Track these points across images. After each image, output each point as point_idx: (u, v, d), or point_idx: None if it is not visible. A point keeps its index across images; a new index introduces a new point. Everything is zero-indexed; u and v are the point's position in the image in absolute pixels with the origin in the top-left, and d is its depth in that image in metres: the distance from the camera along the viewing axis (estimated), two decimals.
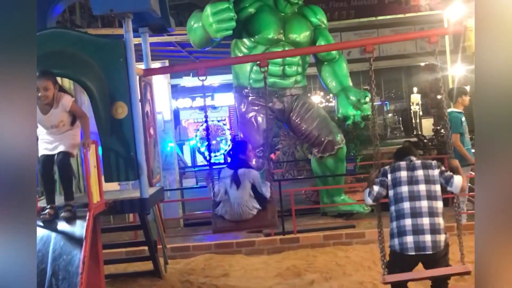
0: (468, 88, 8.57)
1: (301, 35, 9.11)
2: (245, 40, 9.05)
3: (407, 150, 4.89)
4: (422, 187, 4.48)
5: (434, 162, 4.63)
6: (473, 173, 7.68)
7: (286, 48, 8.86)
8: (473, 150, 7.77)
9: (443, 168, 4.64)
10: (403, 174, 4.55)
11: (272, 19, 8.96)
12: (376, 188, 4.72)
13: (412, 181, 4.52)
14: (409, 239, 4.40)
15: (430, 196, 4.47)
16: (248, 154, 6.18)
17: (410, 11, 16.88)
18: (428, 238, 4.37)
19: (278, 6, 9.16)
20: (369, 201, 4.80)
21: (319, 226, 8.54)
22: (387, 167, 4.72)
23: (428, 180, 4.51)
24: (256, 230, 7.75)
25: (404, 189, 4.51)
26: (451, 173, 4.61)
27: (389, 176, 4.63)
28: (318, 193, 9.74)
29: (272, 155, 14.25)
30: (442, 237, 4.41)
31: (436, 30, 5.66)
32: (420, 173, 4.53)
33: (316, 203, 9.90)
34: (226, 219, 5.94)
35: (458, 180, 4.57)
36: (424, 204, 4.44)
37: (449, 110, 7.49)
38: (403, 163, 4.62)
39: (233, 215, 5.88)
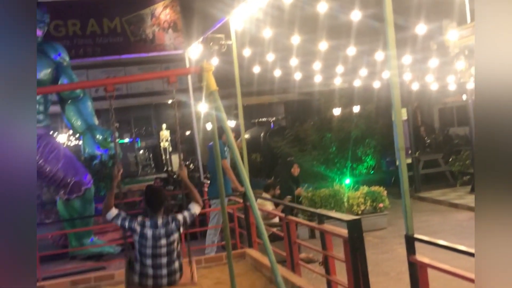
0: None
1: (42, 73, 8.76)
2: None
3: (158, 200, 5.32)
4: (163, 242, 5.15)
5: (169, 218, 5.25)
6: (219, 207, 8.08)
7: None
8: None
9: (177, 215, 5.30)
10: (149, 231, 5.14)
11: None
12: (123, 214, 5.20)
13: (155, 237, 5.14)
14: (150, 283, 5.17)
15: (170, 249, 5.17)
16: None
17: (155, 50, 17.31)
18: (165, 281, 5.17)
19: None
20: (111, 216, 5.16)
21: (67, 271, 8.15)
22: (139, 217, 5.26)
23: (168, 234, 5.18)
24: None
25: (149, 243, 5.13)
26: (187, 209, 5.35)
27: (138, 227, 5.15)
28: (67, 236, 9.34)
29: None
30: (178, 275, 5.25)
31: (175, 71, 5.87)
32: (162, 230, 5.16)
33: (64, 247, 9.46)
34: None
35: (193, 206, 5.35)
36: (164, 260, 5.15)
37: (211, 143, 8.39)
38: (148, 223, 5.19)
39: None
